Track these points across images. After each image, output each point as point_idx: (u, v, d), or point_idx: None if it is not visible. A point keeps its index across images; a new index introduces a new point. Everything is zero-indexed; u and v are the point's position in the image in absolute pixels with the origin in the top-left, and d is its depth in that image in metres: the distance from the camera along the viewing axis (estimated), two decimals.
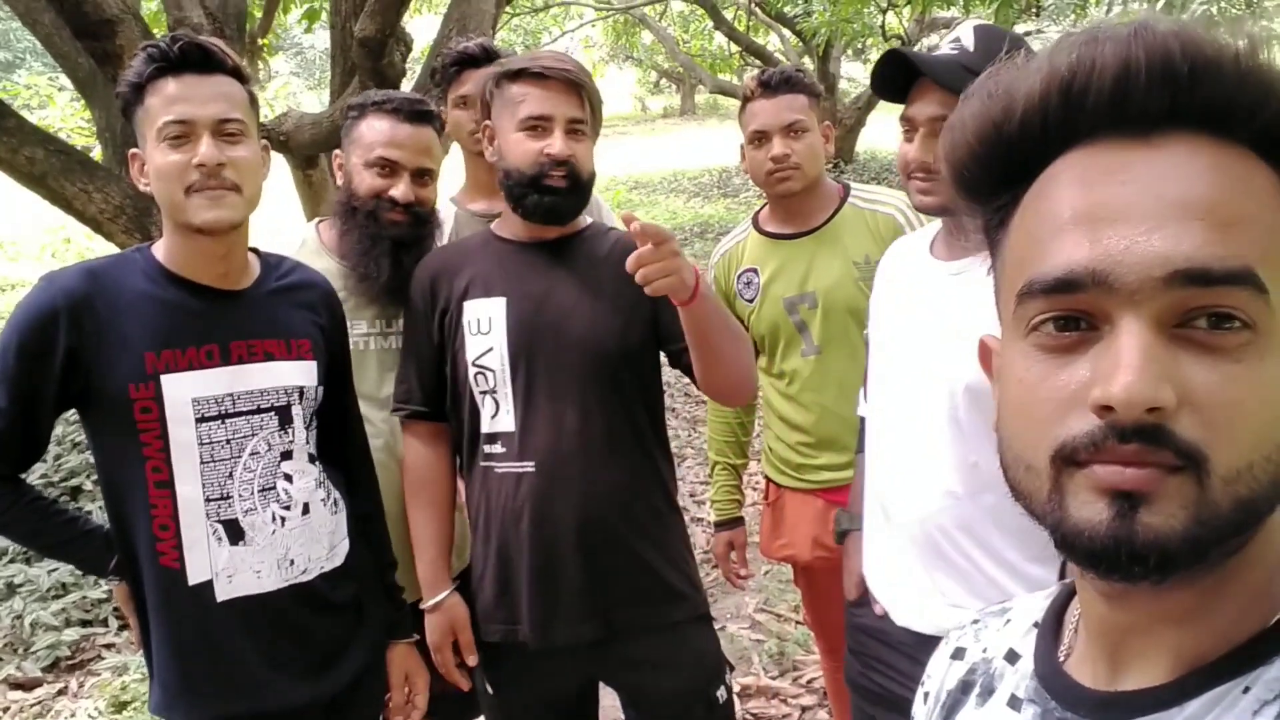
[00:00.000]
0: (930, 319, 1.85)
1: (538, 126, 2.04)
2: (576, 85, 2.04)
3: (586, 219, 2.22)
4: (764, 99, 2.65)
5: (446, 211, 2.94)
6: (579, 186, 2.07)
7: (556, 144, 2.02)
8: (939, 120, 1.77)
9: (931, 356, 1.82)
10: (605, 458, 2.05)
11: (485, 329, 2.09)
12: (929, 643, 1.86)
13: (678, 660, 2.14)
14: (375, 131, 2.28)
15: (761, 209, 2.91)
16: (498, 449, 2.09)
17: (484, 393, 2.09)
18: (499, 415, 2.08)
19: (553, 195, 2.04)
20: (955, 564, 1.79)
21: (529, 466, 2.05)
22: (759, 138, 2.66)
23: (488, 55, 2.92)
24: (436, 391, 2.19)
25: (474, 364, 2.09)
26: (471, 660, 2.19)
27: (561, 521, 2.03)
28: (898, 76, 1.86)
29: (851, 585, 2.09)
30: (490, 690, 2.23)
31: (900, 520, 1.87)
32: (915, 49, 1.92)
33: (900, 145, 1.90)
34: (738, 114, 2.82)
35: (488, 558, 2.13)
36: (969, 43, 1.81)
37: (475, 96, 2.86)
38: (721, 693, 2.17)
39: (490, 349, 2.08)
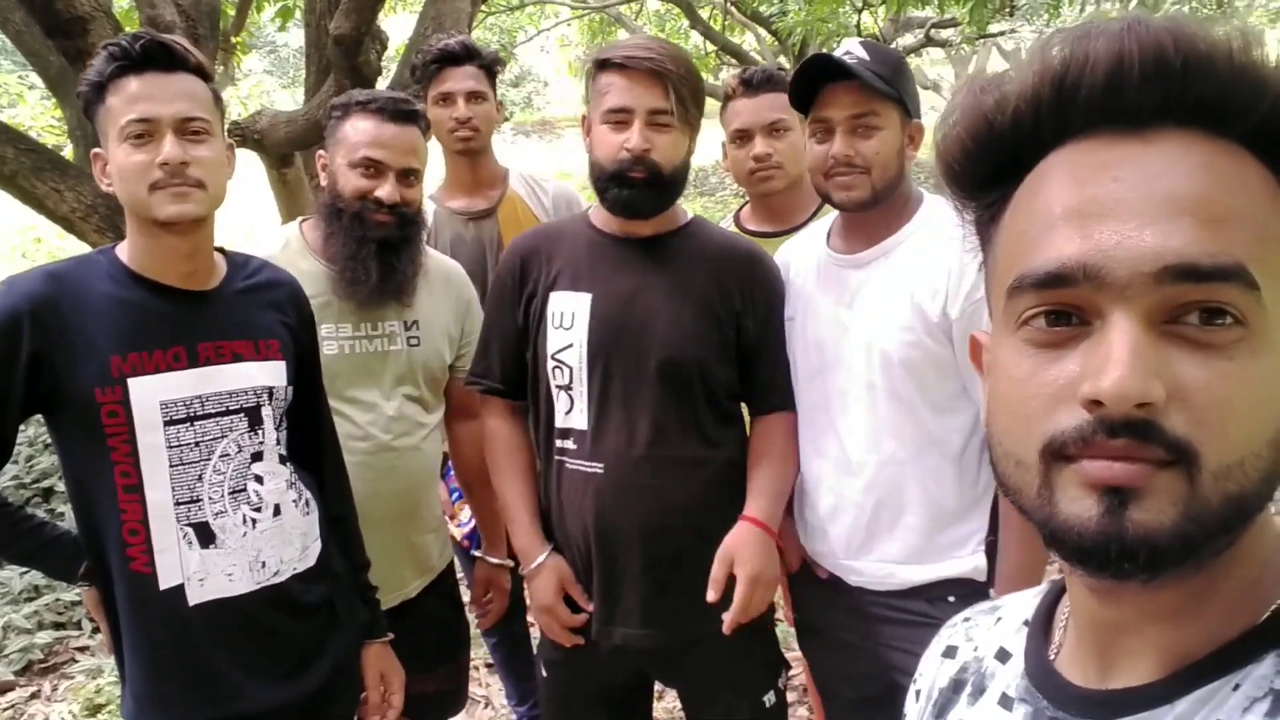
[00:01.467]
0: (844, 308, 2.01)
1: (619, 119, 2.00)
2: (659, 74, 1.98)
3: (688, 214, 2.18)
4: (746, 98, 2.66)
5: (426, 209, 2.92)
6: (660, 181, 2.01)
7: (633, 137, 1.98)
8: (856, 117, 1.92)
9: (855, 340, 1.98)
10: (675, 469, 2.02)
11: (568, 324, 2.07)
12: (877, 597, 1.99)
13: (728, 668, 2.13)
14: (360, 132, 2.25)
15: (743, 207, 2.91)
16: (570, 445, 2.08)
17: (560, 387, 2.08)
18: (573, 412, 2.07)
19: (630, 189, 2.00)
20: (901, 520, 1.97)
21: (598, 468, 2.04)
22: (741, 136, 2.67)
23: (468, 53, 2.91)
24: (515, 373, 2.18)
25: (553, 358, 2.08)
26: (590, 606, 2.12)
27: (625, 529, 2.02)
28: (799, 90, 1.97)
29: (791, 559, 2.23)
30: (545, 672, 2.24)
31: (844, 491, 2.03)
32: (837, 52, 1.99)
33: (812, 148, 2.00)
34: (719, 112, 2.81)
35: (558, 547, 2.14)
36: (862, 54, 1.94)
37: (457, 94, 2.84)
38: (770, 698, 2.16)
39: (570, 345, 2.06)
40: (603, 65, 2.03)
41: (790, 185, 2.68)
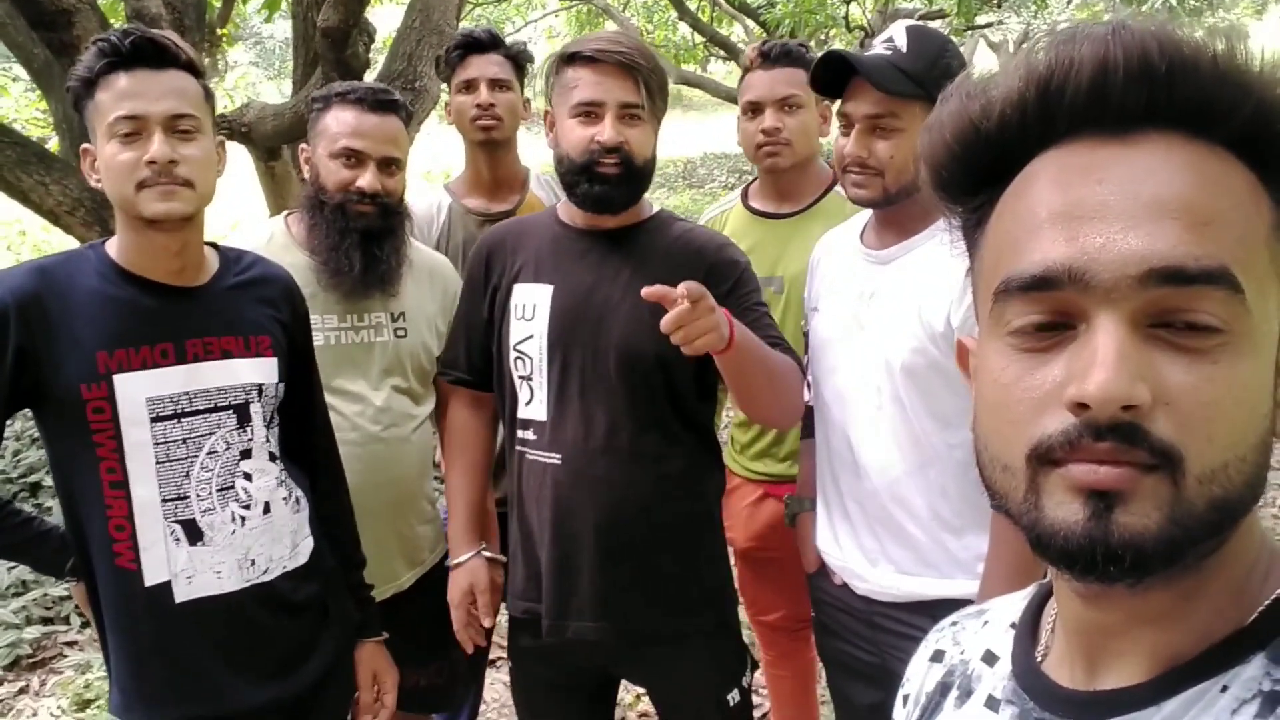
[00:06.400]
0: (862, 306, 1.98)
1: (590, 112, 1.98)
2: (630, 68, 1.97)
3: (654, 207, 2.17)
4: (761, 70, 2.63)
5: (440, 200, 2.88)
6: (633, 174, 2.00)
7: (606, 131, 1.96)
8: (873, 117, 1.88)
9: (867, 341, 1.95)
10: (632, 461, 2.01)
11: (529, 315, 2.07)
12: (884, 608, 1.95)
13: (687, 668, 2.12)
14: (340, 122, 2.25)
15: (751, 183, 2.88)
16: (530, 435, 2.08)
17: (521, 378, 2.09)
18: (533, 403, 2.07)
19: (604, 184, 1.99)
20: (905, 532, 1.93)
21: (555, 459, 2.04)
22: (752, 109, 2.64)
23: (493, 40, 2.87)
24: (482, 364, 2.20)
25: (514, 349, 2.09)
26: (487, 622, 2.22)
27: (581, 520, 2.02)
28: (835, 74, 1.92)
29: (810, 560, 2.19)
30: (512, 662, 2.25)
31: (852, 495, 2.00)
32: (877, 39, 1.95)
33: (837, 140, 1.97)
34: (737, 83, 2.79)
35: (516, 538, 2.15)
36: (901, 43, 1.89)
37: (479, 80, 2.80)
38: (734, 696, 2.15)
39: (531, 336, 2.06)
40: (570, 59, 2.01)
41: (798, 164, 2.65)
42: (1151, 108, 0.64)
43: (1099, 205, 0.63)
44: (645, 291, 1.69)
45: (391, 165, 2.29)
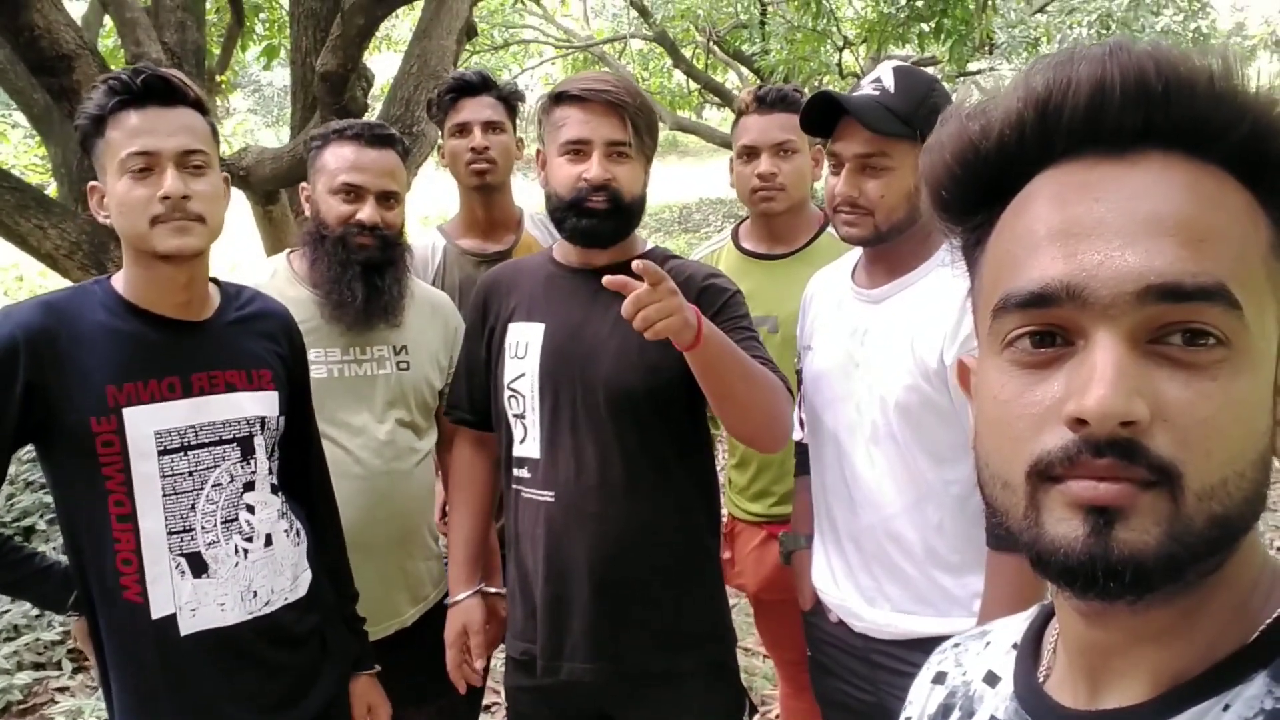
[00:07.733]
0: (855, 344, 1.98)
1: (577, 150, 2.01)
2: (617, 106, 1.99)
3: (647, 244, 2.19)
4: (757, 115, 2.65)
5: (435, 241, 2.89)
6: (620, 209, 2.02)
7: (593, 168, 1.98)
8: (863, 157, 1.89)
9: (861, 379, 1.95)
10: (624, 497, 2.00)
11: (522, 354, 2.09)
12: (882, 646, 1.94)
13: (684, 710, 2.10)
14: (339, 158, 2.28)
15: (742, 223, 2.89)
16: (524, 474, 2.09)
17: (515, 416, 2.09)
18: (526, 441, 2.08)
19: (590, 218, 2.01)
20: (901, 571, 1.92)
21: (549, 496, 2.04)
22: (748, 153, 2.66)
23: (485, 83, 2.87)
24: (484, 404, 2.21)
25: (508, 387, 2.10)
26: (479, 663, 2.23)
27: (575, 557, 2.01)
28: (823, 114, 1.94)
29: (805, 597, 2.18)
30: (509, 703, 2.23)
31: (848, 532, 2.00)
32: (865, 80, 1.97)
33: (827, 179, 1.99)
34: (731, 128, 2.80)
35: (514, 577, 2.14)
36: (889, 83, 1.90)
37: (473, 124, 2.81)
38: None
39: (523, 374, 2.07)
40: (559, 99, 2.04)
41: (792, 208, 2.67)
42: (1148, 127, 0.65)
43: (1096, 223, 0.63)
44: (606, 280, 1.70)
45: (390, 199, 2.32)
